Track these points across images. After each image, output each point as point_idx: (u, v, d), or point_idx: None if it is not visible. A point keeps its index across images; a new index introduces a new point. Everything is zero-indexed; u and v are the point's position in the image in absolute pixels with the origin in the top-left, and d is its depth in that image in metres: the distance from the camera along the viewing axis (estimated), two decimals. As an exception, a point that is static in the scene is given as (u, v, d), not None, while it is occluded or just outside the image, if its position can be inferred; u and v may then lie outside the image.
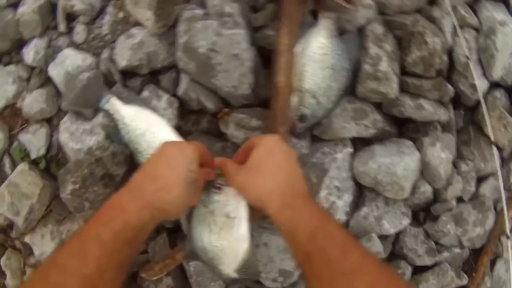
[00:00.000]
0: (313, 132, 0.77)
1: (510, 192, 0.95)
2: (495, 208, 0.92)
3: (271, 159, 0.52)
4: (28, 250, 0.95)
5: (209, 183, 0.60)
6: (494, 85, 0.95)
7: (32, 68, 0.92)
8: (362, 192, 0.81)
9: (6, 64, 0.94)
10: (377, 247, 0.77)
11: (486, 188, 0.91)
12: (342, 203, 0.77)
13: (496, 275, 0.96)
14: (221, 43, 0.73)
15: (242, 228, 0.60)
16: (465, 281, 0.88)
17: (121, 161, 0.79)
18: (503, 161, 0.96)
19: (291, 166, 0.53)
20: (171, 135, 0.79)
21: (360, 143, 0.81)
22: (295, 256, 0.47)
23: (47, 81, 0.90)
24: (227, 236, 0.60)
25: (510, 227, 0.95)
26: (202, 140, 0.79)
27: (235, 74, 0.75)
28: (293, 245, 0.46)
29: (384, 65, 0.76)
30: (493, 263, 0.97)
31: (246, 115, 0.75)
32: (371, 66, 0.76)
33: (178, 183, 0.50)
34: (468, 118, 0.94)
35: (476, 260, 0.92)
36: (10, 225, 0.97)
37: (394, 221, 0.80)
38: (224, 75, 0.75)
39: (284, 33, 0.70)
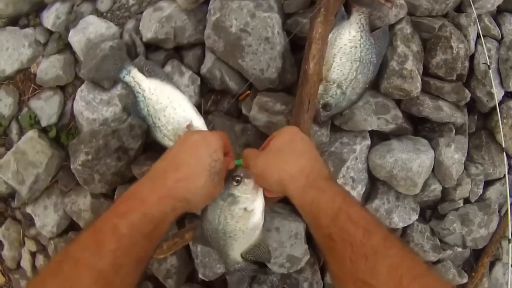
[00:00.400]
0: (334, 122, 0.78)
1: (514, 199, 0.99)
2: (499, 212, 0.96)
3: (293, 145, 0.52)
4: (28, 221, 0.93)
5: (228, 174, 0.58)
6: (510, 95, 0.99)
7: (50, 33, 0.90)
8: (374, 185, 0.82)
9: (23, 27, 0.92)
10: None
11: (492, 192, 0.94)
12: (355, 193, 0.78)
13: (494, 277, 1.00)
14: (254, 25, 0.74)
15: (257, 219, 0.60)
16: (465, 280, 0.91)
17: (138, 134, 0.78)
18: (510, 168, 1.00)
19: (313, 151, 0.53)
20: (193, 113, 0.79)
21: (376, 137, 0.83)
22: (317, 237, 0.46)
23: (65, 48, 0.89)
24: (242, 228, 0.60)
25: None
26: (222, 120, 0.79)
27: (264, 57, 0.75)
28: (315, 226, 0.46)
29: (410, 64, 0.78)
30: (491, 265, 1.00)
31: (271, 98, 0.75)
32: (398, 63, 0.77)
33: (202, 172, 0.48)
34: (481, 124, 0.97)
35: (476, 260, 0.96)
36: (12, 195, 0.94)
37: (404, 216, 0.82)
38: (253, 57, 0.76)
39: (319, 21, 0.71)
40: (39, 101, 0.89)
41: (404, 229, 0.86)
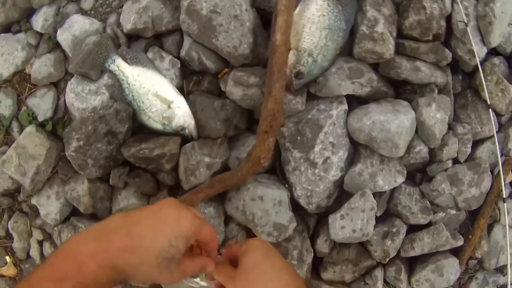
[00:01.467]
0: (309, 90, 0.82)
1: (509, 158, 0.98)
2: (492, 172, 0.96)
3: (271, 258, 0.49)
4: (34, 212, 1.01)
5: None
6: (493, 52, 0.99)
7: (41, 35, 0.98)
8: (357, 150, 0.85)
9: (15, 32, 1.00)
10: (370, 202, 0.81)
11: (483, 151, 0.94)
12: (336, 158, 0.81)
13: (493, 240, 0.99)
14: (223, 5, 0.79)
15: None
16: (460, 242, 0.91)
17: (124, 118, 0.84)
18: (501, 127, 1.00)
19: (287, 264, 0.51)
20: (174, 94, 0.85)
21: (356, 103, 0.85)
22: None
23: (55, 47, 0.96)
24: None
25: (508, 191, 0.99)
26: (202, 98, 0.84)
27: (235, 35, 0.80)
28: None
29: (381, 27, 0.80)
30: (490, 228, 1.00)
31: (245, 73, 0.80)
32: (368, 27, 0.80)
33: (151, 250, 0.43)
34: (466, 84, 0.97)
35: (473, 223, 0.96)
36: (18, 189, 1.03)
37: (389, 179, 0.84)
38: (225, 36, 0.80)
39: (282, -7, 0.75)
40: (35, 98, 0.97)
41: (392, 192, 0.88)
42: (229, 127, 0.81)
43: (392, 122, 0.80)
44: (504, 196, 0.94)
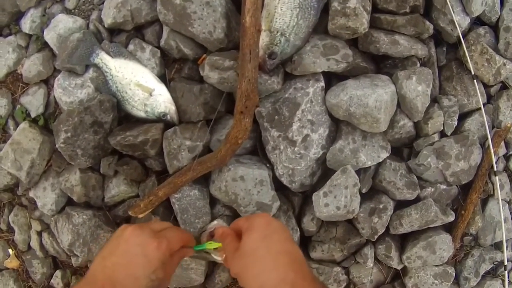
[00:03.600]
0: (286, 69, 0.84)
1: (499, 130, 0.97)
2: (482, 145, 0.95)
3: (269, 242, 0.48)
4: (33, 205, 1.07)
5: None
6: (478, 22, 0.98)
7: (29, 36, 1.04)
8: (338, 127, 0.86)
9: (6, 36, 1.07)
10: (352, 178, 0.82)
11: (471, 124, 0.94)
12: (317, 136, 0.83)
13: (488, 215, 0.99)
14: (194, -9, 0.82)
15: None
16: (451, 217, 0.91)
17: (108, 108, 0.89)
18: (490, 98, 0.99)
19: (292, 247, 0.50)
20: (154, 82, 0.89)
21: (336, 80, 0.87)
22: None
23: (43, 46, 1.02)
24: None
25: (503, 165, 0.98)
26: (182, 85, 0.87)
27: (208, 21, 0.83)
28: None
29: (353, 2, 0.81)
30: (485, 203, 0.99)
31: (220, 57, 0.83)
32: (340, 3, 0.81)
33: None
34: (451, 56, 0.97)
35: (465, 198, 0.95)
36: (17, 184, 1.09)
37: (372, 154, 0.85)
38: (199, 23, 0.84)
39: (250, -26, 0.77)
40: (27, 96, 1.03)
41: (377, 168, 0.89)
42: (209, 110, 0.84)
43: (369, 96, 0.81)
44: (496, 169, 0.93)
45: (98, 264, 0.51)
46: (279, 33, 0.81)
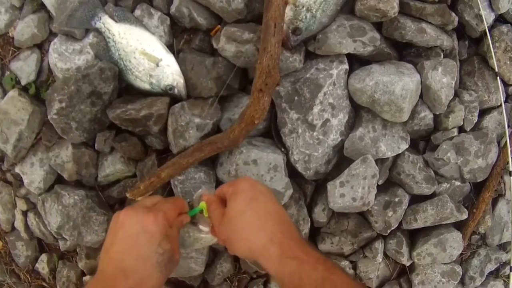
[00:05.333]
0: (308, 48, 0.73)
1: (515, 129, 0.91)
2: (498, 143, 0.88)
3: (255, 204, 0.46)
4: (18, 182, 0.93)
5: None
6: (501, 20, 0.91)
7: (25, -4, 0.90)
8: (358, 113, 0.77)
9: (-2, -6, 0.92)
10: (372, 169, 0.73)
11: (490, 121, 0.87)
12: (336, 121, 0.74)
13: (497, 215, 0.92)
14: (214, -47, 0.70)
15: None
16: (465, 215, 0.84)
17: (109, 77, 0.76)
18: (508, 97, 0.92)
19: (278, 208, 0.48)
20: (162, 51, 0.77)
21: (358, 64, 0.77)
22: None
23: (39, 8, 0.87)
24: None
25: (513, 166, 0.91)
26: (192, 56, 0.76)
27: (228, -13, 0.72)
28: None
29: (385, -18, 0.72)
30: (494, 202, 0.92)
31: (239, 28, 0.72)
32: (371, -18, 0.72)
33: (152, 273, 0.46)
34: (472, 50, 0.90)
35: (477, 196, 0.88)
36: (2, 158, 0.94)
37: (392, 145, 0.76)
38: (217, -11, 0.72)
39: None
40: (18, 62, 0.88)
41: (394, 160, 0.80)
42: (221, 86, 0.73)
43: (396, 83, 0.72)
44: (511, 169, 0.87)
45: (104, 259, 0.48)
46: (304, 8, 0.70)
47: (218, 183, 0.77)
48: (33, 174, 0.88)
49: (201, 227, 0.56)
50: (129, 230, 0.47)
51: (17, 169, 0.90)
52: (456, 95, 0.84)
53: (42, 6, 0.88)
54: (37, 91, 0.87)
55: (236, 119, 0.70)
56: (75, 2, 0.80)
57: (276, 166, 0.71)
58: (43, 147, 0.88)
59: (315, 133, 0.73)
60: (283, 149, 0.75)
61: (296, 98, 0.72)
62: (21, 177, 0.90)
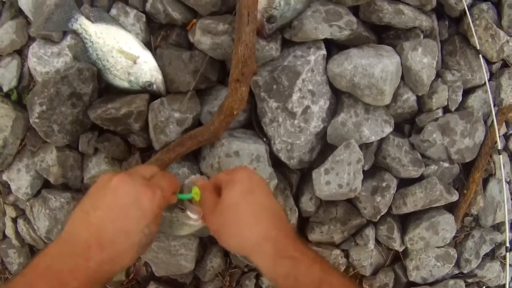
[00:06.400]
0: (284, 36, 0.72)
1: (503, 108, 0.88)
2: (485, 122, 0.86)
3: (251, 197, 0.43)
4: (7, 189, 0.92)
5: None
6: (481, -2, 0.89)
7: (3, 3, 0.89)
8: (339, 99, 0.75)
9: (-24, 3, 0.91)
10: (356, 154, 0.71)
11: (475, 100, 0.85)
12: (317, 108, 0.72)
13: (489, 195, 0.90)
14: None
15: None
16: (455, 197, 0.82)
17: (88, 77, 0.74)
18: (492, 75, 0.90)
19: (274, 203, 0.45)
20: (139, 48, 0.76)
21: (336, 49, 0.76)
22: None
23: (18, 14, 0.87)
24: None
25: (502, 144, 0.89)
26: (169, 51, 0.74)
27: (200, -20, 0.71)
28: None
29: (358, -35, 0.71)
30: (485, 182, 0.90)
31: (213, 20, 0.70)
32: (343, -35, 0.71)
33: (130, 250, 0.41)
34: (453, 30, 0.88)
35: (467, 177, 0.86)
36: (-11, 167, 0.94)
37: (375, 129, 0.74)
38: (190, -17, 0.71)
39: None
40: None
41: (379, 144, 0.79)
42: (200, 79, 0.72)
43: (375, 66, 0.70)
44: (499, 148, 0.85)
45: (80, 220, 0.42)
46: (278, -5, 0.69)
47: (202, 177, 0.75)
48: (20, 180, 0.86)
49: (189, 213, 0.53)
50: (121, 198, 0.41)
51: (4, 177, 0.89)
52: (439, 75, 0.83)
53: (20, 12, 0.87)
54: (20, 97, 0.86)
55: (216, 112, 0.69)
56: (51, 6, 0.80)
57: (258, 156, 0.70)
58: (28, 152, 0.87)
59: (296, 121, 0.71)
60: (265, 139, 0.73)
61: (274, 86, 0.70)
62: (9, 184, 0.89)
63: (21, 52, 0.88)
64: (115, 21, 0.78)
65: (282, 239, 0.41)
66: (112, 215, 0.40)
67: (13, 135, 0.85)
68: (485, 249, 0.91)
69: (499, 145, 0.84)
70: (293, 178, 0.77)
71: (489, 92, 0.83)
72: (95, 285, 0.39)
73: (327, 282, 0.37)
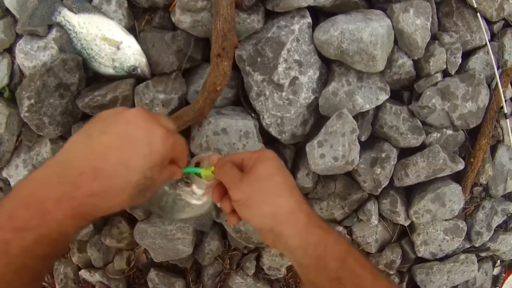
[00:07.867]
0: (267, 7, 0.69)
1: (507, 69, 0.82)
2: (489, 86, 0.80)
3: (283, 173, 0.43)
4: (7, 186, 0.92)
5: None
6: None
7: (-10, 4, 0.90)
8: (330, 68, 0.71)
9: (-34, 6, 0.92)
10: (350, 124, 0.67)
11: (476, 62, 0.79)
12: (306, 79, 0.68)
13: (498, 163, 0.84)
14: None
15: (205, 206, 0.53)
16: (461, 165, 0.76)
17: (73, 67, 0.73)
18: (494, 36, 0.84)
19: (297, 187, 0.45)
20: (122, 34, 0.74)
21: (324, 17, 0.72)
22: (319, 280, 0.39)
23: (5, 14, 0.87)
24: (190, 210, 0.53)
25: (510, 109, 0.83)
26: (152, 34, 0.72)
27: (178, -42, 0.68)
28: (319, 269, 0.39)
29: None
30: (493, 149, 0.84)
31: (193, -3, 0.68)
32: None
33: (124, 190, 0.36)
34: (448, -9, 0.82)
35: (473, 144, 0.80)
36: (-10, 166, 0.94)
37: (369, 96, 0.70)
38: (168, -38, 0.69)
39: None
40: (-9, 68, 0.88)
41: (376, 112, 0.74)
42: (183, 59, 0.69)
43: (363, 30, 0.66)
44: (505, 112, 0.79)
45: (79, 143, 0.36)
46: (256, -36, 0.66)
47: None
48: (18, 176, 0.86)
49: (194, 187, 0.49)
50: (133, 130, 0.36)
51: (4, 174, 0.89)
52: (436, 38, 0.77)
53: (7, 12, 0.87)
54: (12, 94, 0.86)
55: (200, 90, 0.66)
56: (35, 1, 0.79)
57: (247, 132, 0.67)
58: (25, 148, 0.86)
59: (284, 93, 0.68)
60: (253, 115, 0.70)
61: (259, 59, 0.67)
62: (9, 181, 0.89)
63: (10, 50, 0.88)
64: (97, 9, 0.76)
65: (314, 215, 0.42)
66: (118, 144, 0.36)
67: (9, 132, 0.85)
68: (497, 220, 0.85)
69: (506, 109, 0.78)
70: (287, 154, 0.73)
71: (491, 53, 0.78)
72: (78, 221, 0.35)
73: (352, 254, 0.39)
